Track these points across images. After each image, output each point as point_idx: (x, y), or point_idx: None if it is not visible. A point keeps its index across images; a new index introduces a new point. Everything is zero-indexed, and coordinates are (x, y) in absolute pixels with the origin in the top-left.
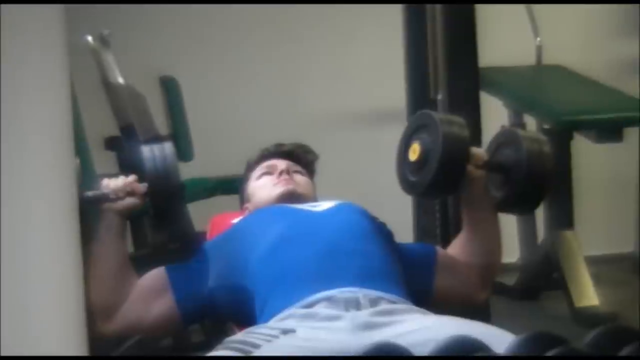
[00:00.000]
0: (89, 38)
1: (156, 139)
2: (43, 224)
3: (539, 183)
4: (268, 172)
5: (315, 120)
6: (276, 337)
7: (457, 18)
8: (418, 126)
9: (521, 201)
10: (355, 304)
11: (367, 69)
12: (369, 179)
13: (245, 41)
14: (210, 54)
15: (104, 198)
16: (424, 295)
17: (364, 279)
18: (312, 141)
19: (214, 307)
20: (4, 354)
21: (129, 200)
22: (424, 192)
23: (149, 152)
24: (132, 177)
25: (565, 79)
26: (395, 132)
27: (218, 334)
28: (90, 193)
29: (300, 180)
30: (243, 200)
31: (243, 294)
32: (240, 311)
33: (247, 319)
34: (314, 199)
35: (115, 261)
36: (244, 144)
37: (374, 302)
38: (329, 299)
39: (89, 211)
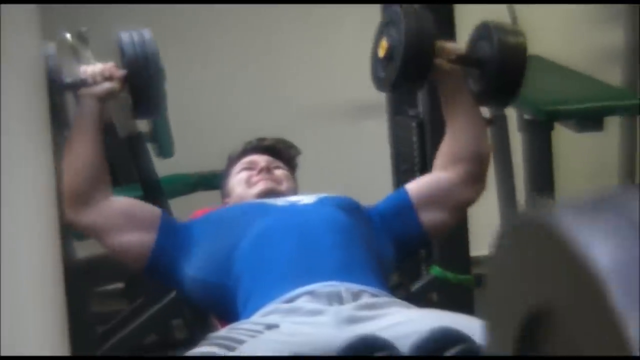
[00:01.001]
0: (67, 35)
1: (136, 136)
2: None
3: (513, 75)
4: (248, 168)
5: (298, 113)
6: (260, 332)
7: (435, 9)
8: (387, 22)
9: (497, 94)
10: (338, 298)
11: (349, 61)
12: (352, 171)
13: (225, 36)
14: (190, 50)
15: (81, 83)
16: (419, 236)
17: (345, 273)
18: (295, 135)
19: (189, 296)
20: None
21: (107, 85)
22: (392, 87)
23: (127, 37)
24: (110, 63)
25: (545, 69)
26: (378, 125)
27: (201, 329)
28: (68, 79)
29: (281, 175)
30: (223, 194)
31: (224, 290)
32: (222, 306)
33: (229, 314)
34: (294, 194)
35: (92, 147)
36: (225, 139)
37: (356, 296)
38: (311, 293)
39: None
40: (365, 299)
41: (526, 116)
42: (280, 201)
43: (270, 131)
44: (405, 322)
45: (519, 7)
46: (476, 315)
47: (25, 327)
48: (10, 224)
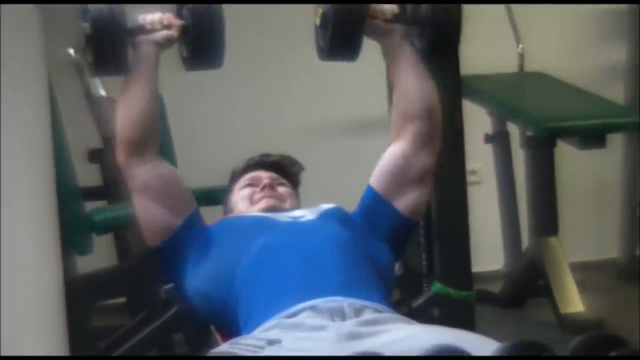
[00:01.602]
0: (71, 51)
1: None
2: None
3: (449, 27)
4: (252, 184)
5: (299, 130)
6: (262, 347)
7: None
8: None
9: (436, 47)
10: (340, 314)
11: (350, 78)
12: (356, 187)
13: (228, 52)
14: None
15: (140, 29)
16: (404, 223)
17: (347, 289)
18: (299, 151)
19: (191, 304)
20: None
21: (166, 32)
22: (329, 55)
23: None
24: (168, 13)
25: (548, 86)
26: (379, 141)
27: (203, 344)
28: (128, 24)
29: (284, 192)
30: (226, 210)
31: (225, 305)
32: (223, 320)
33: (230, 327)
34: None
35: (148, 95)
36: (227, 156)
37: (358, 312)
38: (312, 308)
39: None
40: (368, 315)
41: (529, 133)
42: (283, 217)
43: (274, 147)
44: (407, 339)
45: (522, 26)
46: (478, 331)
47: (27, 340)
48: (10, 239)
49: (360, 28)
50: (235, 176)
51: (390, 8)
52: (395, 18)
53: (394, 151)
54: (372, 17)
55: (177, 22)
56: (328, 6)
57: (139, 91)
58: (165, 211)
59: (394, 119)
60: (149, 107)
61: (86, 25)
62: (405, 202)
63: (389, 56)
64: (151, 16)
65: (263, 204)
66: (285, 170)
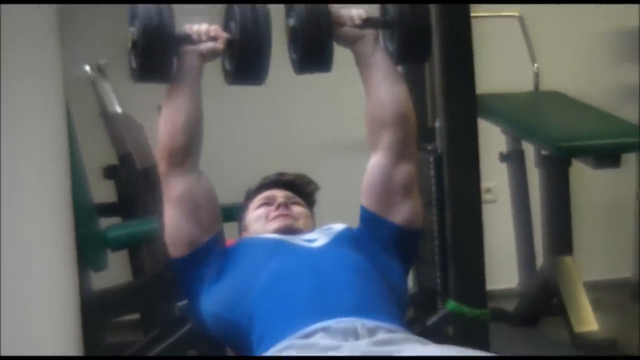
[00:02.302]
0: (87, 68)
1: (154, 168)
2: (40, 246)
3: (418, 32)
4: (266, 203)
5: (311, 148)
6: None
7: (454, 45)
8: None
9: (408, 50)
10: (354, 334)
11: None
12: None
13: None
14: (205, 83)
15: (186, 39)
16: (405, 235)
17: (360, 310)
18: (311, 169)
19: (205, 324)
20: (3, 354)
21: (212, 44)
22: (301, 69)
23: (241, 7)
24: (216, 25)
25: (563, 105)
26: None
27: None
28: (175, 33)
29: (299, 212)
30: (241, 229)
31: (238, 327)
32: (237, 341)
33: (244, 349)
34: (311, 231)
35: (193, 104)
36: (242, 173)
37: (372, 332)
38: (325, 330)
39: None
40: (381, 335)
41: (543, 152)
42: (296, 240)
43: (288, 164)
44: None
45: (537, 45)
46: (492, 349)
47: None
48: (27, 256)
49: (328, 37)
50: (250, 195)
51: (358, 13)
52: (365, 23)
53: (373, 166)
54: (340, 24)
55: (224, 34)
56: (295, 20)
57: (183, 101)
58: (196, 225)
59: (367, 127)
60: (193, 117)
61: (133, 30)
62: (398, 213)
63: (361, 63)
64: (198, 27)
65: (277, 223)
66: (300, 189)
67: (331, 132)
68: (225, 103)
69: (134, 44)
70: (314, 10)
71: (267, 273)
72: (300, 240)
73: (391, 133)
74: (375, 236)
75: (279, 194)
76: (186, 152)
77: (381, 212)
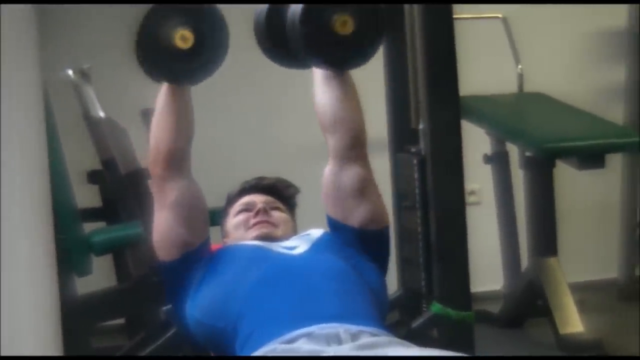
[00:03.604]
0: (70, 72)
1: (138, 173)
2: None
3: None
4: (246, 209)
5: (293, 152)
6: None
7: (438, 47)
8: None
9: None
10: (337, 339)
11: None
12: None
13: (222, 74)
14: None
15: None
16: (365, 236)
17: (342, 316)
18: (295, 173)
19: (189, 330)
20: None
21: None
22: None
23: None
24: None
25: (547, 107)
26: (378, 163)
27: None
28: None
29: (278, 218)
30: (223, 234)
31: (221, 334)
32: (220, 347)
33: (227, 354)
34: (292, 235)
35: (189, 104)
36: (223, 178)
37: (355, 336)
38: (308, 335)
39: None
40: (364, 339)
41: (528, 153)
42: (276, 247)
43: (267, 170)
44: None
45: (521, 46)
46: (477, 351)
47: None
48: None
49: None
50: (231, 200)
51: None
52: None
53: (325, 173)
54: None
55: None
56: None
57: (182, 104)
58: (189, 229)
59: (323, 122)
60: (190, 120)
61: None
62: (355, 216)
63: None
64: None
65: (256, 231)
66: (281, 193)
67: (313, 136)
68: (207, 107)
69: (194, 45)
70: None
71: (249, 282)
72: (281, 247)
73: (334, 138)
74: (345, 241)
75: (259, 200)
76: (184, 156)
77: (340, 218)
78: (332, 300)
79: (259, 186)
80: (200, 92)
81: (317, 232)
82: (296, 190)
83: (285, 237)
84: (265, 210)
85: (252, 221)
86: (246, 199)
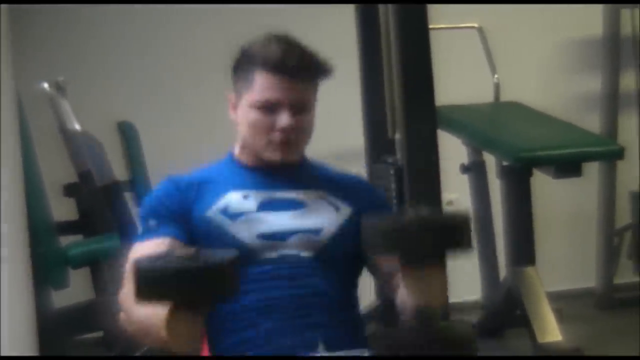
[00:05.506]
0: (45, 85)
1: (114, 185)
2: None
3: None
4: (269, 109)
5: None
6: None
7: (413, 57)
8: None
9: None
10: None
11: (325, 110)
12: None
13: (202, 84)
14: (167, 98)
15: None
16: None
17: (330, 347)
18: None
19: None
20: None
21: None
22: None
23: None
24: None
25: (523, 116)
26: (356, 173)
27: None
28: None
29: (301, 130)
30: (236, 95)
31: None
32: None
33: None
34: (308, 140)
35: None
36: None
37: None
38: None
39: None
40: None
41: (504, 163)
42: (273, 253)
43: None
44: None
45: (497, 56)
46: None
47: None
48: None
49: None
50: (249, 66)
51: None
52: None
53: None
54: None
55: None
56: None
57: None
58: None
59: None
60: None
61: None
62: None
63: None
64: None
65: (275, 155)
66: (313, 75)
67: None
68: (186, 120)
69: None
70: None
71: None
72: (277, 254)
73: None
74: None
75: (286, 100)
76: None
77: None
78: (323, 333)
79: (287, 67)
80: (178, 104)
81: (346, 211)
82: (330, 68)
83: (300, 154)
84: (292, 128)
85: (276, 139)
86: (269, 92)
